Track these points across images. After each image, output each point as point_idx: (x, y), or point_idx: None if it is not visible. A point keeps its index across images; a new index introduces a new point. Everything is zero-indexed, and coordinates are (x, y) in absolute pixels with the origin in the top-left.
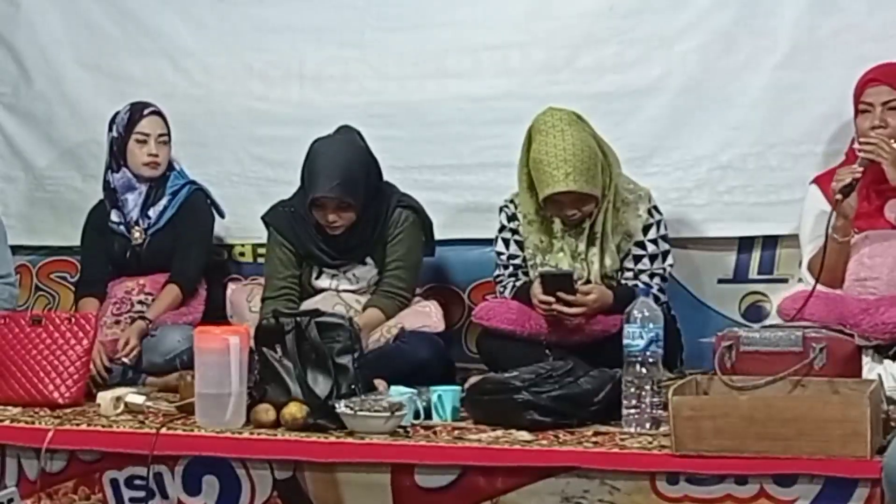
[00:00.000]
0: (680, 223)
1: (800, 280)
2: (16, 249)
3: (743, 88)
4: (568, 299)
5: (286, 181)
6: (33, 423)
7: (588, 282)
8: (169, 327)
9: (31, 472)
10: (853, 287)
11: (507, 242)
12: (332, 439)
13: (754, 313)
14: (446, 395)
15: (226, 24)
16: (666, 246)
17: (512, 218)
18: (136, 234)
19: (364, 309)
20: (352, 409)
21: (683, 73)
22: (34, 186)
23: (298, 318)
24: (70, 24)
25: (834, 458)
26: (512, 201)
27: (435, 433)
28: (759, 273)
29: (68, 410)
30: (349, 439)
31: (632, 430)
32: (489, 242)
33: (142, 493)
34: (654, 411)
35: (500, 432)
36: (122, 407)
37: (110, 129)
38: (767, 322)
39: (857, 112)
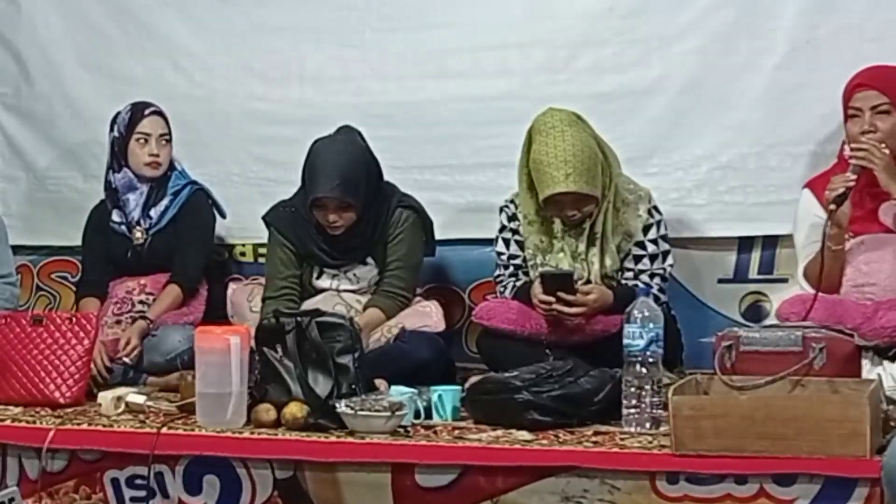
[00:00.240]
0: (680, 223)
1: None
2: (17, 249)
3: (742, 89)
4: (568, 299)
5: (287, 181)
6: (34, 422)
7: (588, 282)
8: (170, 327)
9: (32, 472)
10: (851, 293)
11: (507, 242)
12: (333, 439)
13: (754, 313)
14: (446, 395)
15: (226, 25)
16: (666, 246)
17: (512, 218)
18: (138, 234)
19: (364, 309)
20: (352, 408)
21: (683, 73)
22: (35, 186)
23: (299, 318)
24: (71, 24)
25: (833, 457)
26: (512, 201)
27: (435, 433)
28: (759, 273)
29: (69, 410)
30: (350, 439)
31: (632, 429)
32: (489, 242)
33: (143, 493)
34: (654, 411)
35: (500, 432)
36: (122, 407)
37: (111, 129)
38: (767, 322)
39: (847, 117)
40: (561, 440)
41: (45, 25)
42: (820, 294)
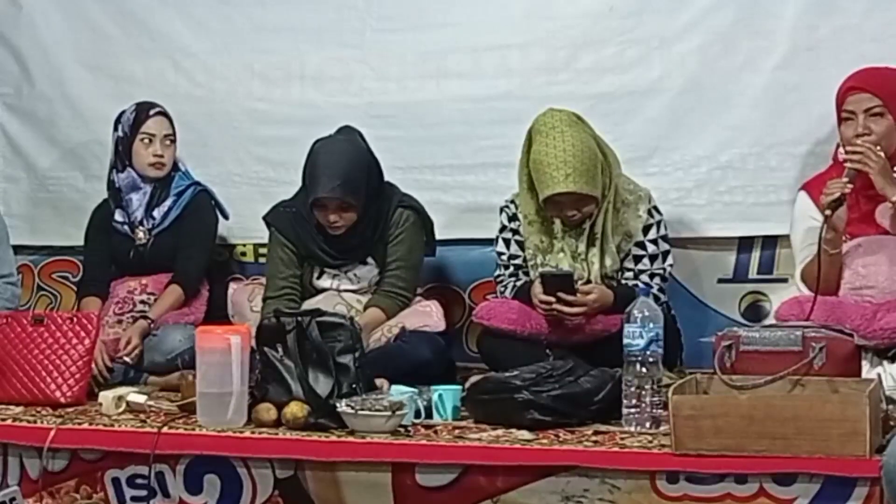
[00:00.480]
0: (680, 223)
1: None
2: (18, 249)
3: (742, 89)
4: (568, 299)
5: (287, 181)
6: (35, 422)
7: (588, 282)
8: (170, 327)
9: (33, 471)
10: (849, 296)
11: (507, 243)
12: (333, 438)
13: (754, 313)
14: (447, 395)
15: (227, 25)
16: (666, 246)
17: (512, 218)
18: (140, 235)
19: (365, 308)
20: (353, 408)
21: (683, 73)
22: (36, 186)
23: (300, 318)
24: (72, 24)
25: (833, 457)
26: (513, 202)
27: (436, 432)
28: (758, 273)
29: (70, 410)
30: (350, 438)
31: (632, 429)
32: (490, 242)
33: (143, 492)
34: (654, 410)
35: (500, 431)
36: (123, 406)
37: (115, 129)
38: (767, 322)
39: (840, 120)
40: (561, 440)
41: (47, 26)
42: (818, 296)
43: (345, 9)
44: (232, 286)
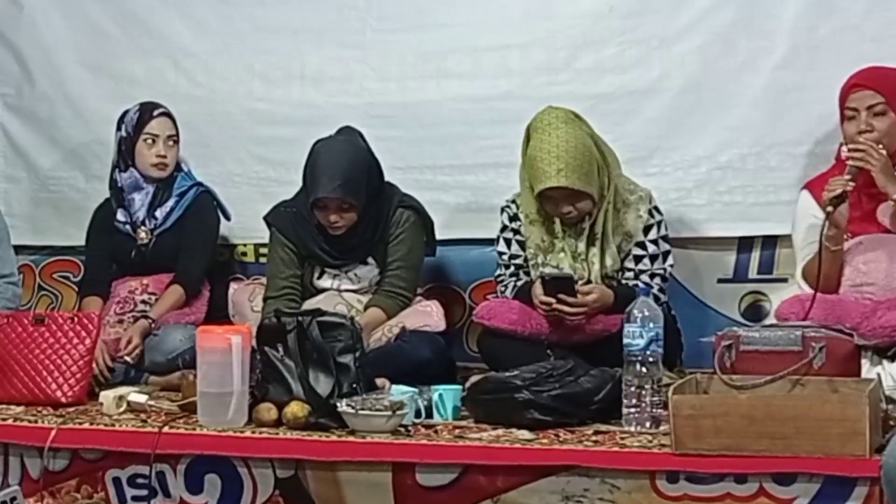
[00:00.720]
0: (680, 223)
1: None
2: (19, 249)
3: (742, 89)
4: (569, 301)
5: (288, 181)
6: (36, 421)
7: (588, 282)
8: (171, 326)
9: (34, 471)
10: (849, 293)
11: (508, 242)
12: (334, 438)
13: (754, 313)
14: (447, 394)
15: (227, 25)
16: (666, 246)
17: (513, 218)
18: (142, 235)
19: (365, 308)
20: (353, 408)
21: (683, 73)
22: (37, 186)
23: (300, 318)
24: (72, 25)
25: (833, 456)
26: (513, 202)
27: (436, 432)
28: (758, 273)
29: (71, 409)
30: (351, 438)
31: (632, 428)
32: (490, 242)
33: (144, 492)
34: (654, 410)
35: (500, 431)
36: (124, 406)
37: (118, 129)
38: (767, 322)
39: (843, 118)
40: (561, 439)
41: (47, 26)
42: (819, 294)
43: (345, 9)
44: (233, 286)
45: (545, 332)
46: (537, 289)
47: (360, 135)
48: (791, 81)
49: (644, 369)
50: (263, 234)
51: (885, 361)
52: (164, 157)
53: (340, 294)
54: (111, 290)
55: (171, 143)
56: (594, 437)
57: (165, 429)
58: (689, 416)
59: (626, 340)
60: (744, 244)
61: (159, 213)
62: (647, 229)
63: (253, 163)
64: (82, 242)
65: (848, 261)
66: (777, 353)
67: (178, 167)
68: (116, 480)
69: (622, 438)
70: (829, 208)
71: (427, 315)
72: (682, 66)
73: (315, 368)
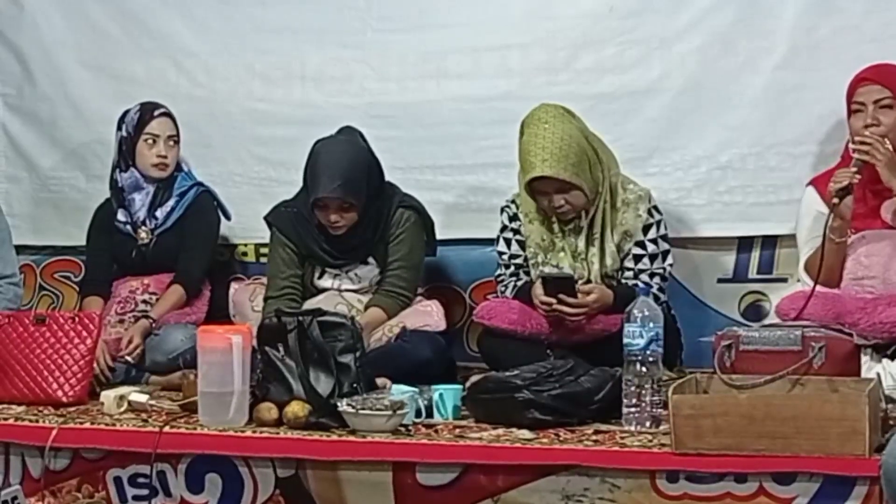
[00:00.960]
0: (680, 223)
1: (798, 280)
2: (20, 249)
3: (742, 89)
4: (569, 301)
5: (288, 181)
6: (37, 421)
7: (588, 281)
8: (172, 326)
9: (35, 471)
10: (850, 286)
11: (508, 242)
12: (335, 438)
13: (754, 312)
14: (448, 394)
15: (228, 26)
16: (666, 246)
17: (513, 218)
18: (143, 235)
19: (366, 308)
20: (354, 407)
21: (683, 73)
22: (38, 187)
23: (301, 318)
24: (73, 25)
25: (833, 456)
26: (513, 201)
27: (436, 431)
28: (758, 273)
29: (72, 409)
30: (351, 438)
31: (632, 428)
32: (490, 242)
33: (145, 491)
34: (654, 410)
35: (500, 431)
36: (125, 405)
37: (119, 129)
38: (767, 322)
39: (850, 112)
40: (561, 439)
41: (48, 26)
42: (819, 289)
43: (345, 9)
44: (233, 286)
45: (545, 332)
46: (538, 289)
47: (361, 135)
48: (791, 81)
49: (644, 369)
50: (264, 234)
51: (885, 360)
52: (165, 157)
53: (341, 294)
54: (112, 289)
55: (171, 143)
56: (594, 437)
57: (166, 428)
58: (688, 415)
59: (626, 340)
60: (743, 244)
61: (160, 213)
62: (646, 229)
63: (253, 163)
64: (83, 242)
65: (849, 254)
66: (777, 353)
67: (178, 167)
68: (117, 480)
69: (622, 438)
70: (835, 200)
71: (427, 315)
72: (682, 66)
73: (316, 368)
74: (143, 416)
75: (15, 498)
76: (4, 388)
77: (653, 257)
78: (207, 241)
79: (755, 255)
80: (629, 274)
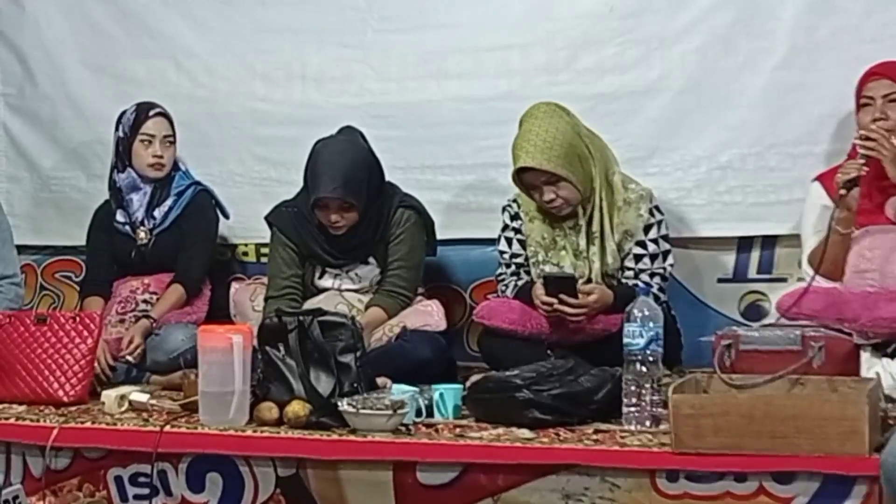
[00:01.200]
0: (680, 223)
1: (800, 279)
2: (21, 249)
3: (742, 89)
4: (570, 302)
5: (289, 181)
6: (38, 420)
7: (589, 280)
8: (173, 326)
9: (36, 470)
10: (853, 279)
11: (509, 241)
12: (335, 437)
13: (753, 312)
14: (448, 394)
15: (228, 26)
16: (666, 246)
17: (514, 217)
18: (142, 235)
19: (366, 308)
20: (354, 407)
21: (683, 73)
22: (39, 186)
23: (301, 317)
24: (74, 25)
25: (832, 455)
26: (515, 201)
27: (437, 431)
28: (758, 272)
29: (73, 408)
30: (352, 437)
31: (632, 427)
32: (490, 242)
33: (146, 491)
34: (654, 409)
35: (501, 430)
36: (126, 405)
37: (116, 129)
38: (766, 321)
39: (859, 107)
40: (561, 438)
41: (49, 26)
42: (821, 284)
43: (346, 9)
44: (234, 286)
45: (545, 332)
46: (538, 289)
47: (361, 135)
48: (791, 81)
49: (644, 368)
50: (264, 234)
51: (884, 360)
52: (161, 157)
53: (341, 294)
54: (112, 289)
55: (167, 143)
56: (594, 436)
57: (167, 428)
58: (688, 415)
59: (626, 340)
60: (743, 244)
61: (158, 213)
62: (647, 228)
63: (254, 163)
64: (84, 242)
65: (852, 247)
66: (776, 353)
67: (175, 167)
68: (118, 479)
69: (622, 437)
70: (843, 190)
71: (428, 315)
72: (682, 66)
73: (316, 368)
74: (144, 415)
75: (16, 497)
76: (6, 387)
77: (653, 257)
78: (206, 240)
79: (755, 254)
80: (629, 273)
